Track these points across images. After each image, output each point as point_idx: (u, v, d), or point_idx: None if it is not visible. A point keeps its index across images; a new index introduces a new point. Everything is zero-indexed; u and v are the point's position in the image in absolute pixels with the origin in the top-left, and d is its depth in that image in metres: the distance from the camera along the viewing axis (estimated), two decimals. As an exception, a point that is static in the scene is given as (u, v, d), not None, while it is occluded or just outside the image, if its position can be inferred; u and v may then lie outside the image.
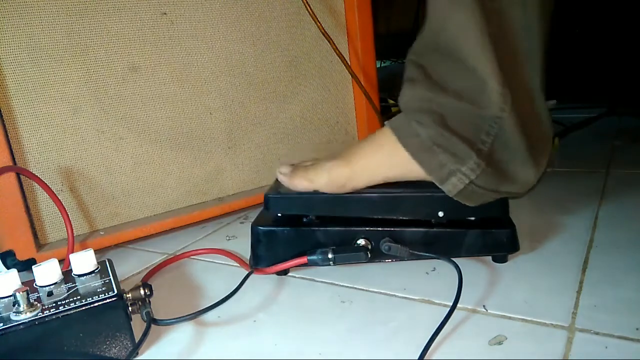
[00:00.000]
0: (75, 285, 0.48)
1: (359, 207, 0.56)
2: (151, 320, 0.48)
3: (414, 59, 0.55)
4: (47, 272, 0.48)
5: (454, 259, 0.51)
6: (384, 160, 0.54)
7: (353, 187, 0.56)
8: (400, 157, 0.53)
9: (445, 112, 0.51)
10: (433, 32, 0.53)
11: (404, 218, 0.56)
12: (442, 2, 0.51)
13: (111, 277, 0.49)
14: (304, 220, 0.58)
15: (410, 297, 0.51)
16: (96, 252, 0.52)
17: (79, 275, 0.50)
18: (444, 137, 0.51)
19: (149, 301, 0.50)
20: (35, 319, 0.42)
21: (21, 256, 0.63)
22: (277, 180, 0.60)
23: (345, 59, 0.81)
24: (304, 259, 0.54)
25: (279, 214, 0.59)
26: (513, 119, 0.50)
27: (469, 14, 0.49)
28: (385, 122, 0.55)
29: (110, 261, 0.53)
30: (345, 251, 0.54)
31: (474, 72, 0.50)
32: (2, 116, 0.61)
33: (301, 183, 0.57)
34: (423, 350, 0.41)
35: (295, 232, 0.57)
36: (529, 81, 0.52)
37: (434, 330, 0.43)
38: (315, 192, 0.56)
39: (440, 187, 0.52)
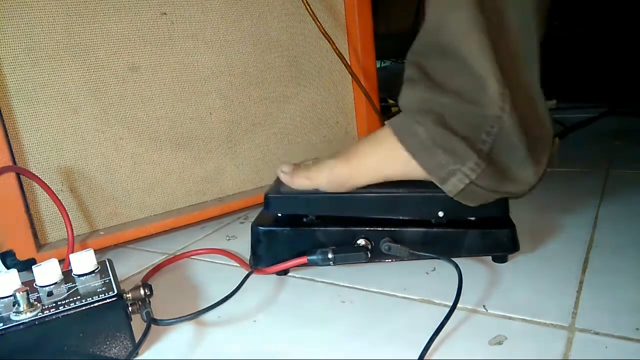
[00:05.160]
0: (75, 285, 0.48)
1: (359, 206, 0.56)
2: (151, 320, 0.48)
3: (413, 59, 0.55)
4: (47, 272, 0.48)
5: (454, 259, 0.51)
6: (384, 159, 0.54)
7: (353, 186, 0.56)
8: (401, 157, 0.53)
9: (445, 112, 0.51)
10: (432, 31, 0.53)
11: (404, 218, 0.56)
12: (442, 1, 0.51)
13: (111, 277, 0.49)
14: (304, 220, 0.58)
15: (410, 297, 0.51)
16: (96, 252, 0.52)
17: (79, 275, 0.50)
18: (444, 137, 0.51)
19: (149, 301, 0.50)
20: (35, 319, 0.42)
21: (21, 256, 0.63)
22: (277, 179, 0.60)
23: (345, 59, 0.81)
24: (304, 259, 0.54)
25: (279, 214, 0.59)
26: (513, 118, 0.50)
27: (468, 13, 0.49)
28: (386, 122, 0.55)
29: (110, 261, 0.53)
30: (345, 251, 0.54)
31: (474, 71, 0.50)
32: (2, 116, 0.61)
33: (302, 182, 0.57)
34: (423, 350, 0.41)
35: (295, 232, 0.57)
36: (528, 81, 0.52)
37: (434, 330, 0.43)
38: (316, 192, 0.56)
39: (440, 187, 0.52)
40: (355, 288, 0.54)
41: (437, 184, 0.52)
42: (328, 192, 0.56)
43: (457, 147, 0.50)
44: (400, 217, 0.56)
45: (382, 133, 0.55)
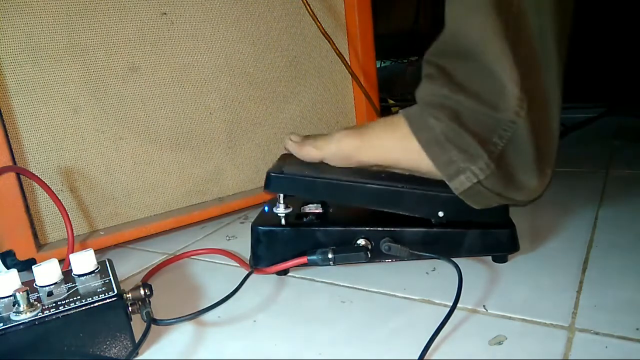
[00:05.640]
0: (75, 285, 0.48)
1: (360, 196, 0.55)
2: (151, 320, 0.48)
3: (432, 59, 0.55)
4: (47, 272, 0.48)
5: (454, 259, 0.51)
6: (395, 144, 0.54)
7: (359, 161, 0.56)
8: (412, 147, 0.53)
9: (461, 110, 0.51)
10: (452, 35, 0.53)
11: (404, 214, 0.55)
12: (461, 5, 0.51)
13: (111, 277, 0.49)
14: (304, 220, 0.58)
15: (410, 297, 0.51)
16: (96, 252, 0.52)
17: (79, 275, 0.50)
18: (457, 134, 0.51)
19: (149, 301, 0.50)
20: (35, 319, 0.42)
21: (21, 256, 0.63)
22: (281, 158, 0.60)
23: (345, 59, 0.81)
24: (304, 259, 0.54)
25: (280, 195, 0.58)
26: (527, 124, 0.50)
27: (487, 17, 0.49)
28: (400, 111, 0.55)
29: (110, 261, 0.53)
30: (345, 251, 0.54)
31: (493, 75, 0.50)
32: (2, 116, 0.61)
33: (310, 151, 0.57)
34: (423, 350, 0.41)
35: (295, 232, 0.57)
36: (546, 88, 0.52)
37: (434, 330, 0.43)
38: (318, 176, 0.56)
39: (447, 183, 0.52)
40: (355, 288, 0.54)
41: (444, 180, 0.52)
42: (333, 168, 0.56)
43: (470, 146, 0.50)
44: (401, 213, 0.55)
45: (396, 120, 0.55)
